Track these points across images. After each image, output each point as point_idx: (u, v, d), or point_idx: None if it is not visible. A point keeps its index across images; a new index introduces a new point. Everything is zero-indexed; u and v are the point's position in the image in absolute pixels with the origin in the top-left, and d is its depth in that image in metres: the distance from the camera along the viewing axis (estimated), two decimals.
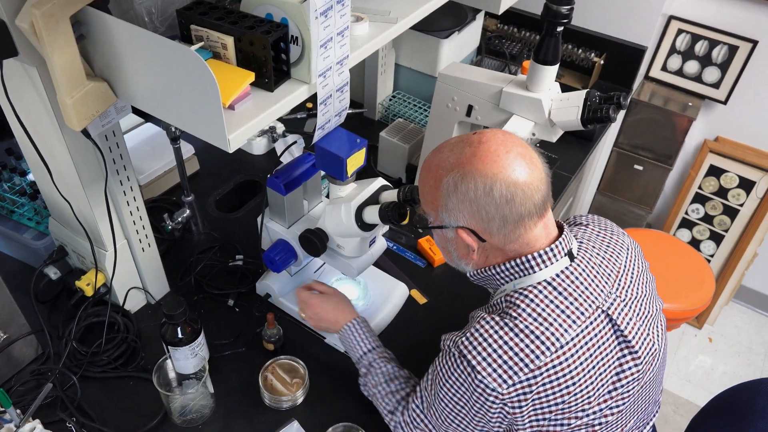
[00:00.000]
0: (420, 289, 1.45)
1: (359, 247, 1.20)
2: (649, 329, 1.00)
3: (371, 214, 1.12)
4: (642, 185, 2.49)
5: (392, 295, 1.39)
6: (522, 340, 0.90)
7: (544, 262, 0.95)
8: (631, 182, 2.50)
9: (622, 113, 2.32)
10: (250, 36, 0.86)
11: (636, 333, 0.98)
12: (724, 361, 2.54)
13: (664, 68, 2.28)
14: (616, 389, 0.97)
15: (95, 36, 0.86)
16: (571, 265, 0.96)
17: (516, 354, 0.90)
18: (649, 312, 1.02)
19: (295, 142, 1.54)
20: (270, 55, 0.87)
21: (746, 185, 2.33)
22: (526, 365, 0.90)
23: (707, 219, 2.49)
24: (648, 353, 0.99)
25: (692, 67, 2.23)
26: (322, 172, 1.30)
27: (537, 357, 0.90)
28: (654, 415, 1.11)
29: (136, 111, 1.02)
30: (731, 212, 2.42)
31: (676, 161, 2.41)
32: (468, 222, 0.93)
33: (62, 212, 1.21)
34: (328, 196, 1.25)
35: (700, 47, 2.18)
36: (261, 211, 1.28)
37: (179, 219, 1.48)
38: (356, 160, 1.10)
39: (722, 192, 2.40)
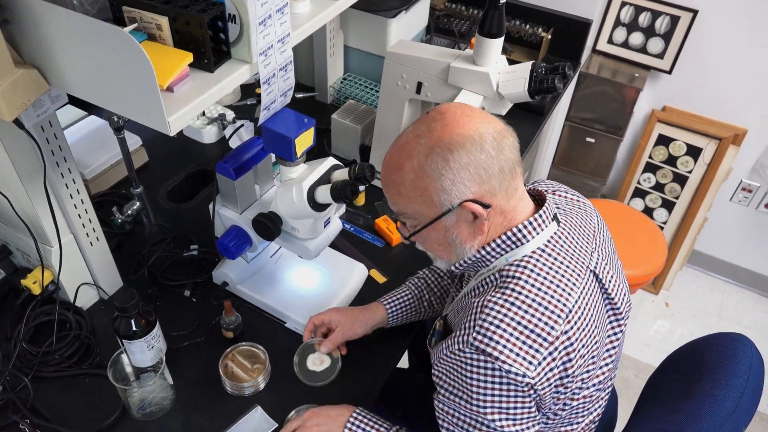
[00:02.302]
0: (379, 268, 1.45)
1: (314, 228, 1.19)
2: (624, 286, 1.03)
3: (323, 194, 1.11)
4: (595, 157, 2.53)
5: (351, 275, 1.39)
6: (533, 315, 0.87)
7: (534, 229, 0.93)
8: (584, 155, 2.55)
9: (572, 85, 2.35)
10: (186, 15, 0.84)
11: (617, 290, 1.00)
12: (681, 324, 2.62)
13: (610, 41, 2.32)
14: (606, 347, 0.99)
15: (21, 21, 0.83)
16: (558, 229, 0.96)
17: (532, 331, 0.87)
18: (620, 269, 1.04)
19: (242, 125, 1.51)
20: (207, 34, 0.85)
21: (693, 152, 2.40)
22: (545, 339, 0.87)
23: (659, 187, 2.55)
24: (626, 310, 1.02)
25: (637, 38, 2.27)
26: (274, 157, 1.28)
27: (552, 328, 0.87)
28: (612, 377, 1.14)
29: (78, 103, 0.98)
30: (681, 179, 2.48)
31: (626, 132, 2.47)
32: (470, 190, 0.88)
33: (2, 209, 1.16)
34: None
35: (644, 19, 2.22)
36: (213, 198, 1.26)
37: (129, 212, 1.44)
38: (305, 140, 1.09)
39: (671, 160, 2.46)
